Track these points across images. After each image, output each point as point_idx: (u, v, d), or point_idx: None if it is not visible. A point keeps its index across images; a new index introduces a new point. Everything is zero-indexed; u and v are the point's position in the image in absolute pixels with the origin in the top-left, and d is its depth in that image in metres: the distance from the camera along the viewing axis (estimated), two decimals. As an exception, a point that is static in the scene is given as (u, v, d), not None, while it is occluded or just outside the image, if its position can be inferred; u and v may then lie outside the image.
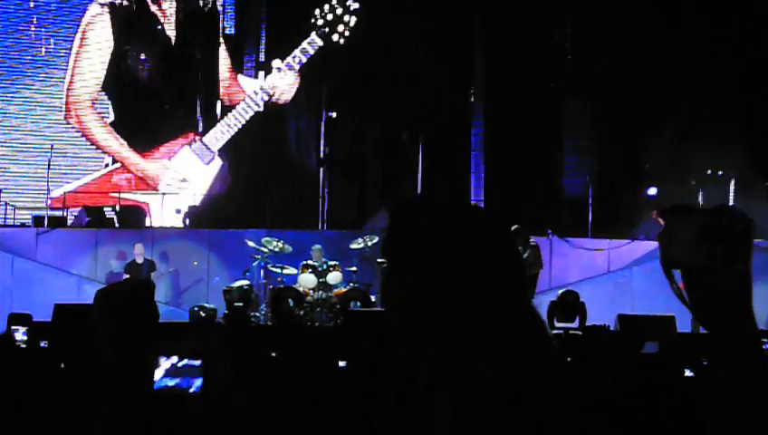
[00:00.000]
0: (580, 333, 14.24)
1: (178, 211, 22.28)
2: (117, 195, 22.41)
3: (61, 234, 18.95)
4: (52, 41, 24.01)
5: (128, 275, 17.92)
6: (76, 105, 23.19)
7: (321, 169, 23.04)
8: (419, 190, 19.76)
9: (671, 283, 2.33)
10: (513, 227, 14.46)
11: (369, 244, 17.77)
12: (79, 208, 20.80)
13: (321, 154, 23.31)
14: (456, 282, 2.14)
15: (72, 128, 23.29)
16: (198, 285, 18.48)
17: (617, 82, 20.28)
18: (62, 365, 7.44)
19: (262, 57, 24.65)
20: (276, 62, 23.91)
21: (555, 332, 14.75)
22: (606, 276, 18.57)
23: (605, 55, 20.36)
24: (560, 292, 15.83)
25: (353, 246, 17.88)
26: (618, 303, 17.01)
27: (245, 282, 17.41)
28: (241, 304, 16.89)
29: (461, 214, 2.24)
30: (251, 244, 17.71)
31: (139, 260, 17.99)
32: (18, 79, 23.53)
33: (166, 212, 22.65)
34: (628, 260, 18.64)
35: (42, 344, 9.77)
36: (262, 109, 23.49)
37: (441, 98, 22.77)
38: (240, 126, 23.45)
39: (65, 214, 20.61)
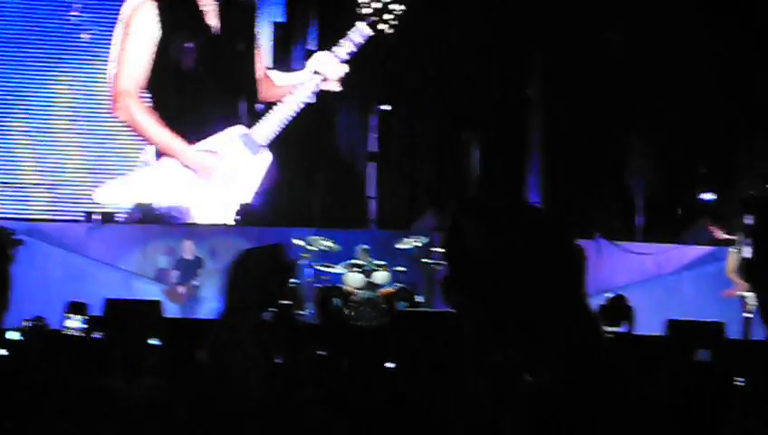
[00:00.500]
0: (628, 337, 14.18)
1: (227, 207, 21.95)
2: (163, 189, 21.85)
3: (111, 229, 19.10)
4: (95, 27, 23.44)
5: (176, 272, 18.03)
6: (124, 95, 22.20)
7: (371, 166, 22.55)
8: (477, 190, 19.24)
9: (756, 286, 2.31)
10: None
11: (417, 244, 17.75)
12: (128, 204, 20.86)
13: (372, 150, 22.77)
14: (515, 284, 2.13)
15: (116, 119, 22.54)
16: (246, 282, 18.52)
17: (672, 85, 20.12)
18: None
19: (312, 46, 24.15)
20: (322, 54, 23.27)
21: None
22: (655, 281, 18.44)
23: (660, 57, 20.19)
24: (607, 296, 15.72)
25: (401, 246, 17.88)
26: (667, 308, 16.88)
27: (293, 280, 17.46)
28: (288, 302, 16.93)
29: (521, 215, 2.23)
30: (298, 242, 17.74)
31: (188, 257, 18.07)
32: (59, 66, 23.00)
33: (213, 207, 22.17)
34: (678, 264, 18.51)
35: (95, 336, 9.87)
36: (313, 100, 22.78)
37: (496, 94, 22.31)
38: (288, 119, 22.56)
39: (115, 209, 20.68)
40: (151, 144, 22.11)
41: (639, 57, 20.68)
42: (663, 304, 17.35)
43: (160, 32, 22.32)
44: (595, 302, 15.51)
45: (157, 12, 22.41)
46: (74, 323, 13.43)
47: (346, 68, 22.30)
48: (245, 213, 21.15)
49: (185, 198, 21.75)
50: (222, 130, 22.21)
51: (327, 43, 22.89)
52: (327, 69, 22.40)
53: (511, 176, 21.63)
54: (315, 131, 23.25)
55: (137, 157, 22.39)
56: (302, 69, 23.26)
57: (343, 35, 22.42)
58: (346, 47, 22.30)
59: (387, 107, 22.21)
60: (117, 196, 21.36)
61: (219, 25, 22.68)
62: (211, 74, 22.46)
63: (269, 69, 23.56)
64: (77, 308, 14.00)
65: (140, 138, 22.30)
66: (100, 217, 19.70)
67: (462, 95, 22.24)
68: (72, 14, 23.31)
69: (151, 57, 22.26)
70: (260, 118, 22.82)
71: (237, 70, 23.00)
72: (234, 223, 20.74)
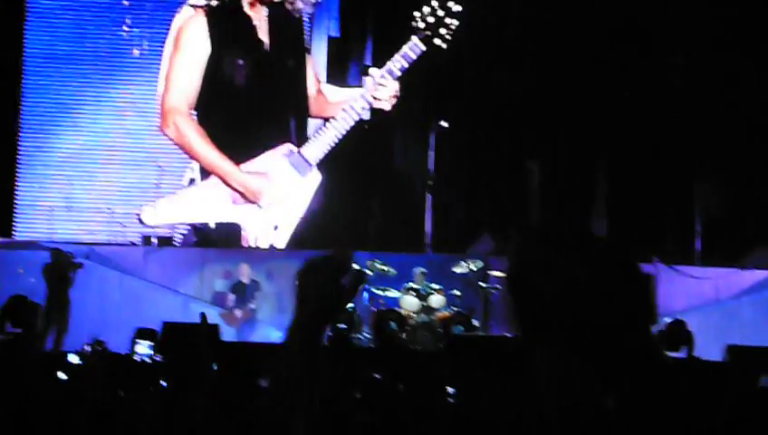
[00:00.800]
0: (687, 363, 14.02)
1: (276, 228, 21.56)
2: (211, 210, 21.46)
3: (168, 253, 19.22)
4: (145, 42, 22.97)
5: (233, 296, 18.10)
6: (173, 113, 21.57)
7: (428, 186, 22.02)
8: (542, 218, 18.30)
9: None
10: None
11: (474, 268, 17.69)
12: (185, 226, 20.90)
13: (429, 169, 22.14)
14: (580, 314, 2.12)
15: (164, 138, 21.84)
16: (302, 306, 18.53)
17: (735, 111, 19.96)
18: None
19: (368, 61, 23.35)
20: (374, 71, 22.27)
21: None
22: (714, 306, 18.25)
23: (721, 84, 20.05)
24: (666, 321, 15.57)
25: (457, 269, 17.82)
26: (726, 333, 16.69)
27: (348, 304, 17.43)
28: (344, 325, 16.94)
29: (589, 246, 2.22)
30: (354, 266, 17.70)
31: (245, 280, 18.14)
32: (110, 83, 22.59)
33: (263, 229, 21.66)
34: (737, 289, 18.32)
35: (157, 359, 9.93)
36: (368, 117, 22.10)
37: (557, 113, 21.56)
38: (339, 137, 21.80)
39: (172, 232, 20.73)
40: (198, 163, 21.72)
41: (700, 83, 20.53)
42: (722, 330, 17.14)
43: (210, 48, 21.84)
44: (654, 327, 15.34)
45: (207, 27, 21.92)
46: (142, 348, 13.57)
47: (397, 86, 21.68)
48: (298, 235, 21.12)
49: (232, 219, 21.38)
50: (271, 149, 21.75)
51: (383, 57, 22.08)
52: (379, 88, 21.71)
53: (572, 200, 21.28)
54: (369, 150, 22.69)
55: (179, 176, 21.96)
56: (357, 85, 22.72)
57: (398, 50, 21.69)
58: (400, 62, 21.64)
59: (445, 124, 21.70)
60: (162, 216, 21.08)
61: (270, 41, 22.17)
62: (261, 92, 22.05)
63: (323, 84, 22.97)
64: (145, 334, 14.14)
65: (186, 156, 21.80)
66: (156, 241, 19.79)
67: (525, 115, 21.67)
68: (123, 29, 22.99)
69: (201, 74, 21.78)
70: (310, 136, 22.29)
71: (288, 87, 22.48)
72: (285, 246, 20.71)
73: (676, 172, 20.39)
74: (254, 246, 20.66)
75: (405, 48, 21.52)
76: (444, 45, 21.46)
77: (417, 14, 21.38)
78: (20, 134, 21.11)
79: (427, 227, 21.12)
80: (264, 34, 21.99)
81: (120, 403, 5.54)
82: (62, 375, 7.92)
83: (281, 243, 21.04)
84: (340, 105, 22.00)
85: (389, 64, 21.62)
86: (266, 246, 20.59)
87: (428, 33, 21.52)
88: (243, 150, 21.62)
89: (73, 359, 9.56)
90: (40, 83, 21.82)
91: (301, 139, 22.08)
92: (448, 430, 5.05)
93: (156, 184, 22.27)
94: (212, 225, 21.17)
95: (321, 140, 21.67)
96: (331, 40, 23.60)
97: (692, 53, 20.73)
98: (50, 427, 5.19)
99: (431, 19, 21.49)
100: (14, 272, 17.76)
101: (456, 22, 21.36)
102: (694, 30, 20.46)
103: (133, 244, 20.35)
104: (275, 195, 21.77)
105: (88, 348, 8.84)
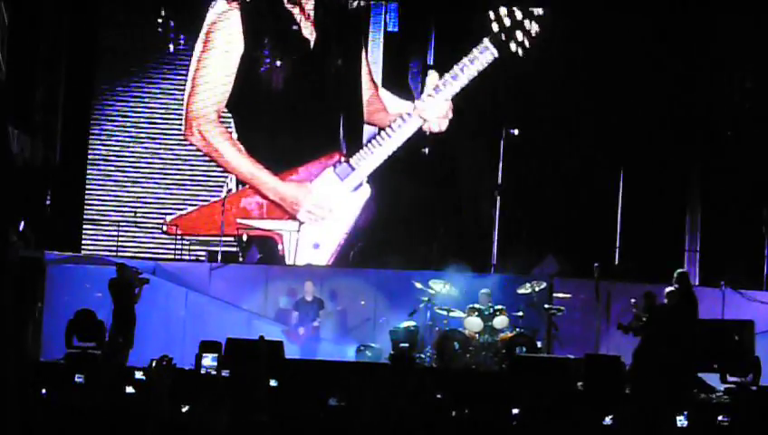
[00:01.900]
0: (754, 388, 13.85)
1: (317, 246, 20.45)
2: (245, 222, 20.51)
3: (233, 269, 19.31)
4: (182, 37, 21.06)
5: (296, 313, 18.16)
6: (199, 119, 20.18)
7: (497, 201, 20.33)
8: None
9: None
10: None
11: (537, 289, 17.60)
12: (245, 241, 20.68)
13: (499, 181, 20.42)
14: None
15: (191, 146, 20.61)
16: (365, 324, 18.59)
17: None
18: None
19: (430, 59, 21.15)
20: (431, 80, 20.23)
21: (727, 386, 14.34)
22: (781, 331, 18.01)
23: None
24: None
25: (521, 290, 17.74)
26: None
27: (412, 323, 17.43)
28: (406, 344, 16.92)
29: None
30: (418, 285, 17.72)
31: (309, 298, 18.17)
32: (141, 81, 21.43)
33: (302, 245, 20.52)
34: (805, 315, 18.09)
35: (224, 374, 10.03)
36: (413, 133, 20.27)
37: (636, 127, 20.29)
38: (394, 148, 20.17)
39: (238, 248, 20.66)
40: (230, 172, 20.54)
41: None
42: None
43: (244, 46, 20.12)
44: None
45: (241, 23, 20.09)
46: (207, 361, 13.73)
47: (449, 106, 20.06)
48: (341, 253, 20.46)
49: (266, 233, 20.46)
50: (317, 159, 20.42)
51: (448, 57, 20.39)
52: (428, 108, 20.07)
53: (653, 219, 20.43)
54: (427, 161, 21.06)
55: (209, 186, 20.92)
56: (418, 86, 20.77)
57: (467, 52, 20.06)
58: (467, 67, 19.94)
59: (515, 131, 20.23)
60: (186, 227, 20.44)
61: (316, 38, 20.25)
62: (305, 95, 20.23)
63: (380, 87, 21.07)
64: (210, 347, 14.28)
65: (216, 165, 20.52)
66: (220, 258, 19.88)
67: (600, 125, 20.35)
68: (158, 21, 21.09)
69: (233, 75, 20.14)
70: (359, 145, 20.71)
71: (337, 89, 20.55)
72: (327, 264, 20.41)
73: (747, 196, 20.12)
74: (288, 263, 20.30)
75: (474, 52, 19.93)
76: (520, 52, 19.86)
77: (491, 14, 19.76)
78: (88, 151, 21.28)
79: (494, 246, 20.68)
80: (308, 31, 20.24)
81: (186, 418, 5.60)
82: (129, 389, 8.00)
83: (322, 261, 20.44)
84: (398, 115, 20.50)
85: (456, 69, 20.07)
86: (302, 263, 20.15)
87: (503, 36, 19.84)
88: (283, 159, 20.40)
89: (139, 374, 9.66)
90: (107, 100, 21.68)
91: (352, 148, 20.67)
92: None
93: (187, 193, 21.22)
94: (244, 237, 20.54)
95: (374, 151, 20.31)
96: (388, 35, 21.38)
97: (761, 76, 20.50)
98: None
99: (508, 21, 19.81)
100: (82, 287, 17.96)
101: (536, 27, 19.78)
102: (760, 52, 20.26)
103: (198, 259, 20.47)
104: (317, 209, 20.46)
105: (154, 363, 8.90)
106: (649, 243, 19.80)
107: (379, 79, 21.31)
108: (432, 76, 20.48)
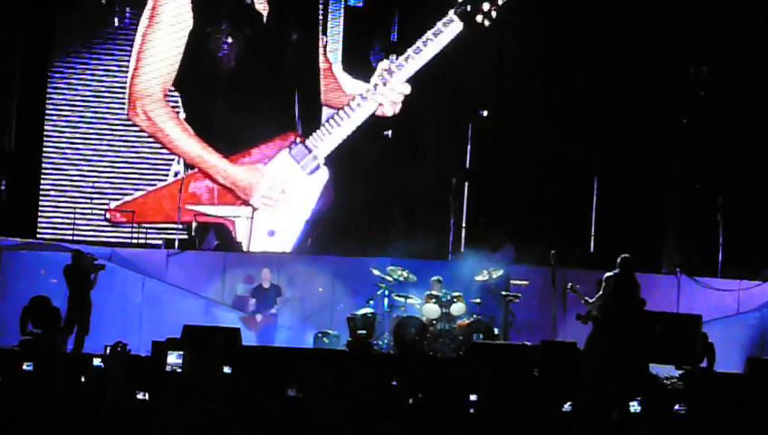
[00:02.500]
0: (709, 374, 13.97)
1: (272, 233, 19.84)
2: (195, 208, 19.58)
3: (190, 256, 19.21)
4: (127, 11, 20.09)
5: (253, 300, 18.11)
6: (143, 98, 19.12)
7: (465, 185, 19.82)
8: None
9: None
10: None
11: (494, 276, 17.65)
12: (194, 228, 19.96)
13: (467, 165, 19.87)
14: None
15: (136, 127, 19.55)
16: (323, 311, 18.56)
17: (747, 118, 19.86)
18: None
19: (394, 36, 20.27)
20: (384, 64, 19.32)
21: (681, 372, 14.45)
22: (735, 318, 18.18)
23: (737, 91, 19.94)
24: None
25: (478, 278, 17.78)
26: (747, 345, 16.65)
27: (369, 310, 17.44)
28: (364, 331, 16.93)
29: None
30: (376, 272, 17.72)
31: (266, 285, 18.13)
32: (83, 57, 20.45)
33: (257, 233, 19.69)
34: (760, 302, 18.25)
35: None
36: (366, 116, 19.28)
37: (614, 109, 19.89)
38: (353, 128, 19.27)
39: (193, 234, 20.07)
40: (176, 154, 19.66)
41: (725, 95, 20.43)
42: (743, 342, 17.10)
43: (193, 21, 19.18)
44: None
45: None
46: (172, 358, 13.57)
47: (405, 89, 19.25)
48: (301, 241, 19.96)
49: (217, 220, 19.73)
50: (271, 140, 19.58)
51: (413, 33, 19.38)
52: (383, 91, 19.24)
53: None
54: (387, 142, 20.28)
55: (155, 170, 20.04)
56: (381, 66, 19.56)
57: (430, 26, 19.15)
58: (431, 41, 19.04)
59: (484, 112, 19.82)
60: (132, 213, 19.51)
61: (270, 11, 19.31)
62: (258, 72, 19.33)
63: (335, 64, 20.09)
64: (176, 344, 14.10)
65: (162, 148, 19.54)
66: (177, 244, 19.74)
67: (573, 103, 19.83)
68: None
69: (180, 52, 19.12)
70: (318, 127, 19.76)
71: (293, 66, 19.58)
72: (290, 249, 20.05)
73: (701, 184, 20.25)
74: (245, 250, 19.81)
75: (439, 24, 19.17)
76: (487, 23, 19.15)
77: None
78: (44, 136, 20.99)
79: (454, 233, 20.52)
80: (261, 5, 19.39)
81: (143, 410, 5.57)
82: (83, 378, 7.95)
83: (278, 248, 19.97)
84: (355, 96, 19.65)
85: (419, 43, 19.26)
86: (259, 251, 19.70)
87: (468, 7, 19.18)
88: (235, 141, 19.51)
89: (97, 361, 9.59)
90: (62, 85, 21.00)
91: (308, 128, 19.81)
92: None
93: (134, 177, 20.28)
94: (193, 225, 19.70)
95: (332, 132, 19.47)
96: (350, 10, 20.49)
97: (711, 65, 20.59)
98: (70, 427, 5.21)
99: None
100: (37, 273, 17.82)
101: None
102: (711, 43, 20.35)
103: (155, 246, 20.31)
104: (272, 193, 19.65)
105: (108, 350, 8.83)
106: (615, 230, 19.84)
107: (339, 57, 20.43)
108: (383, 63, 19.65)
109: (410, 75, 19.76)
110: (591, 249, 19.48)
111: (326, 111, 20.31)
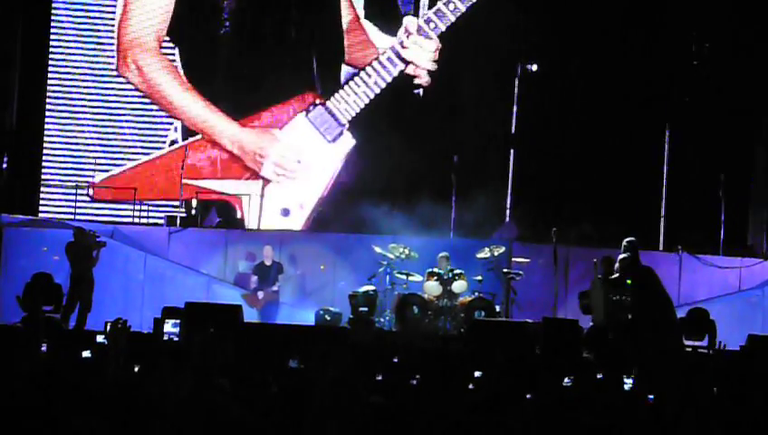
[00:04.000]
0: (709, 351, 13.99)
1: (286, 213, 18.12)
2: (195, 184, 17.75)
3: (192, 233, 19.22)
4: None
5: (255, 277, 18.12)
6: (134, 48, 16.77)
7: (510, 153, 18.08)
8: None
9: None
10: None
11: (496, 254, 17.66)
12: (195, 206, 19.13)
13: (513, 128, 18.31)
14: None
15: (127, 83, 17.38)
16: (324, 288, 18.58)
17: (748, 95, 19.82)
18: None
19: None
20: (410, 20, 16.76)
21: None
22: (737, 295, 18.22)
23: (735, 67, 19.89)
24: (689, 309, 15.61)
25: (480, 255, 17.79)
26: (748, 322, 16.68)
27: (371, 287, 17.46)
28: (366, 308, 16.96)
29: None
30: (378, 249, 17.72)
31: (268, 262, 18.13)
32: (94, 27, 19.14)
33: (268, 211, 17.95)
34: (761, 279, 18.30)
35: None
36: (395, 75, 16.95)
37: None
38: (377, 92, 16.96)
39: (186, 214, 19.30)
40: (174, 116, 17.47)
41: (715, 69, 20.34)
42: (744, 319, 17.13)
43: None
44: (677, 314, 15.35)
45: None
46: (168, 326, 13.63)
47: (435, 46, 16.88)
48: (318, 217, 18.88)
49: (221, 196, 18.20)
50: (284, 101, 17.21)
51: None
52: (412, 47, 16.81)
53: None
54: (421, 105, 17.85)
55: (150, 135, 18.43)
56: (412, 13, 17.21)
57: None
58: None
59: (533, 66, 18.51)
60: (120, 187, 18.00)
61: None
62: (268, 22, 16.77)
63: (363, 19, 17.64)
64: (172, 312, 14.17)
65: (158, 108, 17.32)
66: (179, 222, 19.71)
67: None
68: None
69: None
70: (341, 86, 17.39)
71: (309, 16, 16.92)
72: (303, 228, 19.44)
73: (705, 161, 20.22)
74: (252, 227, 18.92)
75: None
76: None
77: None
78: (46, 113, 20.91)
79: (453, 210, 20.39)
80: None
81: (141, 383, 5.58)
82: (86, 353, 7.96)
83: (294, 227, 19.03)
84: (383, 51, 17.28)
85: None
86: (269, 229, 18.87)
87: None
88: (242, 102, 17.11)
89: (100, 338, 9.63)
90: (64, 62, 20.76)
91: (329, 88, 17.43)
92: (469, 413, 5.06)
93: (125, 145, 18.59)
94: (194, 203, 18.08)
95: (357, 93, 17.16)
96: None
97: (715, 44, 20.52)
98: (71, 403, 5.23)
99: None
100: (39, 250, 17.84)
101: None
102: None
103: (157, 224, 20.27)
104: (286, 162, 17.33)
105: (109, 326, 8.86)
106: (617, 207, 19.78)
107: (361, 3, 18.09)
108: (409, 20, 17.32)
109: (445, 27, 17.51)
110: (592, 226, 19.40)
111: (348, 70, 18.04)
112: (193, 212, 18.32)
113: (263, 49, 17.09)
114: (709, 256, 18.64)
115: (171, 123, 18.48)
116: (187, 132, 17.48)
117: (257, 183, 18.09)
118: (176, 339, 13.40)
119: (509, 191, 19.55)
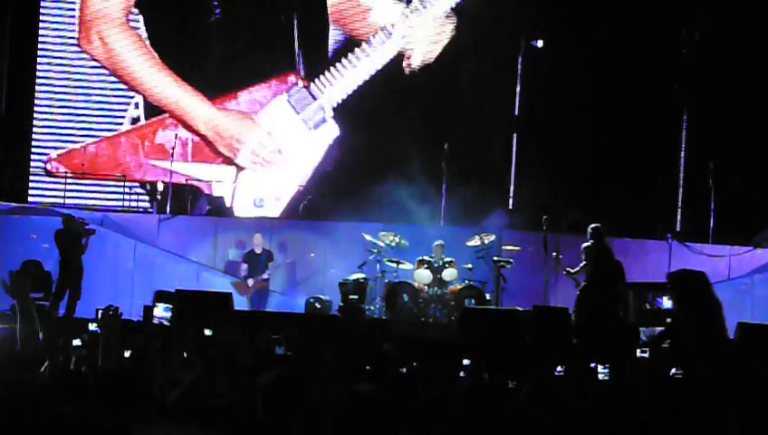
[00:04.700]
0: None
1: (260, 203, 17.27)
2: (161, 165, 16.74)
3: (182, 221, 19.19)
4: None
5: (245, 265, 18.11)
6: (99, 20, 15.54)
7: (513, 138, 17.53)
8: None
9: None
10: None
11: (486, 241, 17.66)
12: (160, 191, 19.03)
13: (516, 109, 17.56)
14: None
15: (88, 58, 16.24)
16: (315, 276, 18.58)
17: (741, 86, 19.81)
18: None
19: None
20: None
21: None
22: (726, 283, 18.25)
23: (730, 59, 19.87)
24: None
25: (470, 243, 17.80)
26: (737, 310, 16.71)
27: (361, 275, 17.45)
28: (356, 296, 16.95)
29: None
30: (368, 237, 17.71)
31: (258, 250, 18.12)
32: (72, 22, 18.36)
33: (241, 200, 17.29)
34: (750, 268, 18.33)
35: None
36: (393, 55, 15.49)
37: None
38: (371, 72, 15.54)
39: (150, 200, 19.49)
40: (143, 95, 16.24)
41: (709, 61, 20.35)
42: (733, 307, 17.15)
43: None
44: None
45: None
46: (159, 311, 13.63)
47: (445, 26, 15.73)
48: (294, 208, 18.71)
49: (190, 181, 17.51)
50: (262, 80, 16.02)
51: None
52: (411, 24, 15.43)
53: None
54: (411, 89, 16.80)
55: (111, 113, 17.49)
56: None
57: None
58: None
59: (539, 42, 17.96)
60: (80, 164, 17.22)
61: None
62: None
63: None
64: (163, 297, 14.15)
65: (123, 84, 16.13)
66: (169, 209, 19.65)
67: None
68: None
69: None
70: (323, 65, 15.99)
71: None
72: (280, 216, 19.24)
73: (692, 151, 20.23)
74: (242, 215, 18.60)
75: None
76: None
77: None
78: (35, 101, 20.77)
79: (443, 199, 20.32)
80: None
81: (132, 369, 5.59)
82: (76, 341, 7.97)
83: (272, 210, 18.50)
84: (376, 31, 15.73)
85: None
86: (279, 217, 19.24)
87: None
88: (216, 81, 15.96)
89: (92, 326, 9.64)
90: (53, 49, 20.69)
91: (312, 68, 16.16)
92: (459, 401, 5.07)
93: (85, 123, 17.91)
94: (159, 187, 17.29)
95: (344, 75, 15.79)
96: None
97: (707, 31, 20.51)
98: (62, 391, 5.23)
99: None
100: (28, 237, 17.80)
101: None
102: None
103: (146, 211, 20.22)
104: (264, 150, 16.12)
105: (101, 314, 8.86)
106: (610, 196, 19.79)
107: None
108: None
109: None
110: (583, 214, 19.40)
111: (338, 41, 16.66)
112: (158, 197, 17.41)
113: (238, 21, 15.93)
114: (698, 245, 18.67)
115: (132, 97, 17.33)
116: (152, 110, 16.28)
117: (231, 169, 17.13)
118: (166, 324, 13.39)
119: (512, 178, 19.43)
